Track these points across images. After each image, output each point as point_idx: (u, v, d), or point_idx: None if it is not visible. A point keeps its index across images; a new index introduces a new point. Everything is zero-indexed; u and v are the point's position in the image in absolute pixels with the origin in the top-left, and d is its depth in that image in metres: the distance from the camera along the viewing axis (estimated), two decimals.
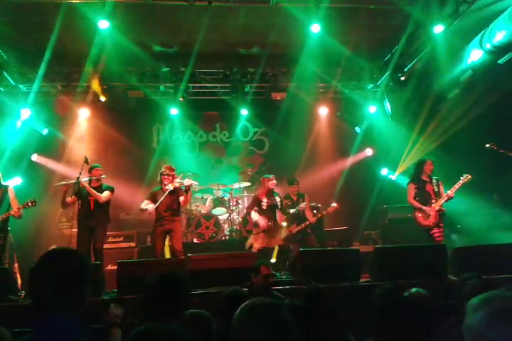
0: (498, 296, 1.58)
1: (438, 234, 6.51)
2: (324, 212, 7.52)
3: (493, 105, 7.86)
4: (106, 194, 6.67)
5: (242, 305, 1.78)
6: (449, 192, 6.51)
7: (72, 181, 6.54)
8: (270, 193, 7.26)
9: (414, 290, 2.16)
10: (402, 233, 8.51)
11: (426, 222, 6.53)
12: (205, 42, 8.62)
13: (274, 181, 7.29)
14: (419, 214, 6.60)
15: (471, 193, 6.40)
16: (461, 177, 6.46)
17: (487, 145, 6.45)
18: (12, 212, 6.14)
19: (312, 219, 7.40)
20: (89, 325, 1.79)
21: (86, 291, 1.80)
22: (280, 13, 7.57)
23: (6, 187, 6.40)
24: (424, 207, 6.57)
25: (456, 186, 6.47)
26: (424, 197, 6.65)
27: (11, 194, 6.31)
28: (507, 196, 7.60)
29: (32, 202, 6.33)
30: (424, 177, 6.74)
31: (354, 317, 4.01)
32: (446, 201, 6.54)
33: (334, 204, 7.39)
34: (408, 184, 6.86)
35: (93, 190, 6.58)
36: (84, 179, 6.65)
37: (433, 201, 6.59)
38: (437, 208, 6.51)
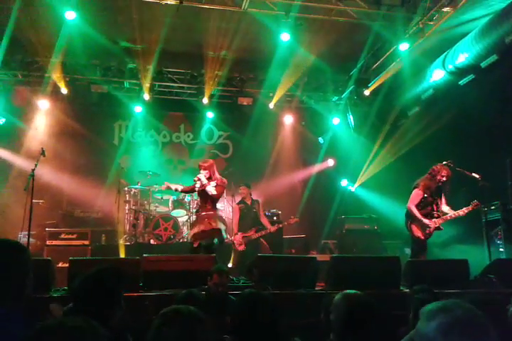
0: (459, 306, 1.45)
1: None
2: (286, 223, 7.63)
3: (451, 124, 8.13)
4: None
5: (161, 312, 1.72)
6: (460, 212, 6.01)
7: None
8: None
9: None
10: (357, 243, 8.68)
11: (419, 233, 6.10)
12: (174, 42, 8.57)
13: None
14: (414, 224, 6.14)
15: None
16: (472, 203, 5.98)
17: (444, 163, 6.27)
18: None
19: (272, 229, 7.47)
20: (31, 320, 1.67)
21: (27, 283, 1.73)
22: (252, 19, 7.59)
23: None
24: (424, 220, 6.05)
25: (470, 208, 5.97)
26: (427, 208, 6.16)
27: None
28: None
29: None
30: (433, 186, 6.15)
31: (307, 323, 4.07)
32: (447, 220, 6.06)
33: (297, 218, 7.51)
34: (415, 188, 6.19)
35: None
36: None
37: (435, 215, 6.13)
38: (438, 224, 6.07)
